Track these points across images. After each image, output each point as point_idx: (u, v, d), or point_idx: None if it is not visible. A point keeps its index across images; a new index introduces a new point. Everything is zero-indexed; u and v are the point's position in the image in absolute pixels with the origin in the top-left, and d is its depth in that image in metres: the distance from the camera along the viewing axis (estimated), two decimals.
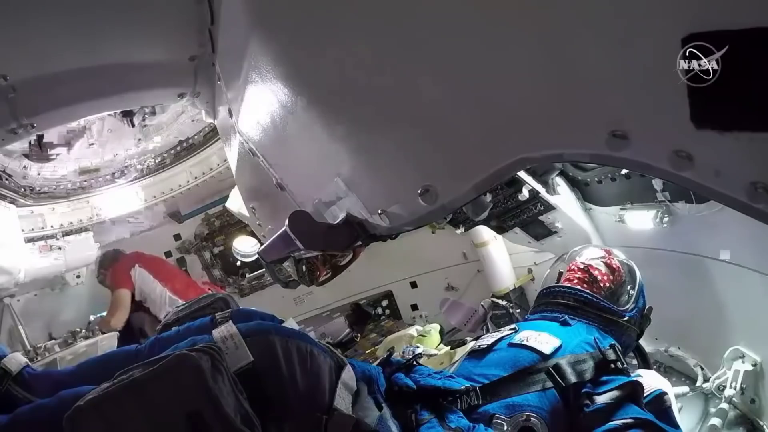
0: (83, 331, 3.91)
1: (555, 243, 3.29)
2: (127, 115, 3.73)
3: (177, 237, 5.37)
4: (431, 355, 2.53)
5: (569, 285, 2.04)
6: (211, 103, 2.51)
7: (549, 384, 1.61)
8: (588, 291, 1.97)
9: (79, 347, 3.63)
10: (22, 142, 3.35)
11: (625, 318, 1.95)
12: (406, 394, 1.59)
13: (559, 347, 1.71)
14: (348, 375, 1.41)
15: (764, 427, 2.17)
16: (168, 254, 5.29)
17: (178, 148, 4.59)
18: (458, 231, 3.47)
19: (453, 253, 4.47)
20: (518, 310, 3.47)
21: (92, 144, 4.02)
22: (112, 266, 4.39)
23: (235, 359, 1.26)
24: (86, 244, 4.51)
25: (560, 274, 2.23)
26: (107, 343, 3.81)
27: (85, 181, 4.41)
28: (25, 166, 3.85)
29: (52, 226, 4.27)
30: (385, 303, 5.06)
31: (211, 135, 4.39)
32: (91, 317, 4.28)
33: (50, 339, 4.38)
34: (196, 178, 4.78)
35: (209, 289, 4.41)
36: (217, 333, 1.37)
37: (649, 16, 0.70)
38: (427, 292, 4.78)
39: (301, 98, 1.42)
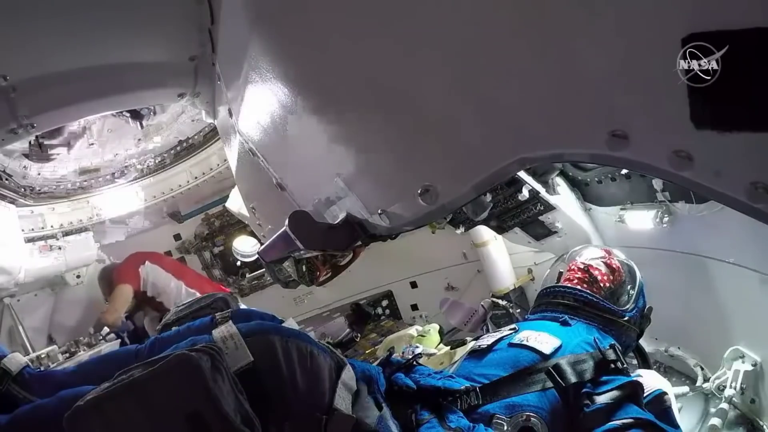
0: (86, 338, 3.91)
1: (555, 243, 3.29)
2: (137, 117, 3.74)
3: (177, 237, 5.37)
4: (431, 355, 2.54)
5: (569, 285, 2.04)
6: (211, 103, 2.51)
7: (549, 384, 1.61)
8: (588, 291, 1.98)
9: (82, 357, 3.62)
10: (22, 142, 3.35)
11: (625, 318, 1.95)
12: (406, 394, 1.59)
13: (559, 347, 1.71)
14: (348, 375, 1.41)
15: (764, 427, 2.17)
16: (168, 254, 5.28)
17: (178, 148, 4.59)
18: (458, 231, 3.46)
19: (453, 253, 4.46)
20: (518, 310, 3.47)
21: (92, 144, 4.02)
22: (115, 270, 4.40)
23: (235, 359, 1.26)
24: (86, 244, 4.51)
25: (560, 274, 2.23)
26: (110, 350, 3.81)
27: (85, 181, 4.41)
28: (25, 166, 3.85)
29: (52, 226, 4.27)
30: (385, 303, 5.05)
31: (211, 135, 4.39)
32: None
33: (50, 340, 4.38)
34: (196, 178, 4.77)
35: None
36: (217, 333, 1.37)
37: (649, 16, 0.70)
38: (427, 292, 4.78)
39: (301, 98, 1.42)
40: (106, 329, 4.03)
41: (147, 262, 4.36)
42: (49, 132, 3.48)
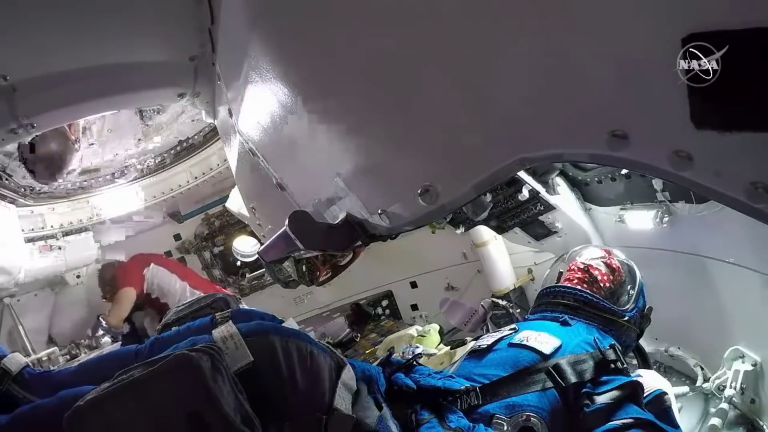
0: (86, 341, 3.91)
1: (555, 243, 3.29)
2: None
3: (177, 237, 5.38)
4: (431, 355, 2.54)
5: (569, 285, 2.04)
6: (211, 103, 2.51)
7: (549, 384, 1.61)
8: (588, 291, 1.98)
9: (83, 360, 3.63)
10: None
11: (625, 318, 1.95)
12: (406, 394, 1.59)
13: (559, 347, 1.71)
14: (348, 375, 1.41)
15: (764, 427, 2.17)
16: (168, 254, 5.30)
17: (178, 148, 4.59)
18: (458, 231, 3.46)
19: (453, 253, 4.46)
20: (518, 310, 3.47)
21: (92, 144, 4.02)
22: (118, 271, 4.41)
23: (235, 359, 1.26)
24: (86, 244, 4.52)
25: (560, 274, 2.23)
26: None
27: (85, 181, 4.41)
28: None
29: (52, 226, 4.27)
30: (385, 303, 5.05)
31: (211, 135, 4.39)
32: (101, 319, 4.27)
33: (50, 340, 4.38)
34: (196, 178, 4.77)
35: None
36: (217, 333, 1.37)
37: (649, 16, 0.70)
38: (427, 292, 4.78)
39: (300, 98, 1.42)
40: (101, 331, 4.04)
41: (152, 265, 4.39)
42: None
